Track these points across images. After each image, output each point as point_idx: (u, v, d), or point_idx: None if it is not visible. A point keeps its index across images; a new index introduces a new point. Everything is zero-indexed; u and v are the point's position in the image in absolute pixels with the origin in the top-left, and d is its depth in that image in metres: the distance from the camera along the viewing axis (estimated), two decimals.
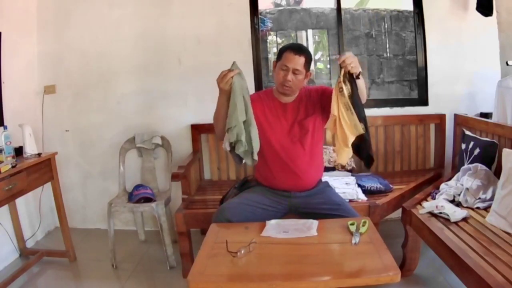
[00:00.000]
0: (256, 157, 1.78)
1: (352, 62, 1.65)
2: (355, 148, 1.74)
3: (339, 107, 1.69)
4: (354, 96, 1.69)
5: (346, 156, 1.75)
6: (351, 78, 1.69)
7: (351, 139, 1.70)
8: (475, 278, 1.51)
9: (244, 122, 1.74)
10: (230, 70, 1.73)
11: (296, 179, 1.96)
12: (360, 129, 1.69)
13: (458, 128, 2.81)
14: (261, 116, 1.95)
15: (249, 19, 2.99)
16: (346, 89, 1.68)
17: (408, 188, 2.58)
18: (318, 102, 1.97)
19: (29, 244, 2.84)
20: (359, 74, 1.70)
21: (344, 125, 1.69)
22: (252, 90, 3.01)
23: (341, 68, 1.68)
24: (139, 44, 3.02)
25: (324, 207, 1.90)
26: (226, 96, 1.76)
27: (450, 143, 2.96)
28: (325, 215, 1.82)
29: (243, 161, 1.81)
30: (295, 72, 1.87)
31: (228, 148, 1.79)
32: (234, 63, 1.76)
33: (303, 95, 2.00)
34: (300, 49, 1.89)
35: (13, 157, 2.28)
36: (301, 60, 1.87)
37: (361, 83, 1.76)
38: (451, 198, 2.22)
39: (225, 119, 1.77)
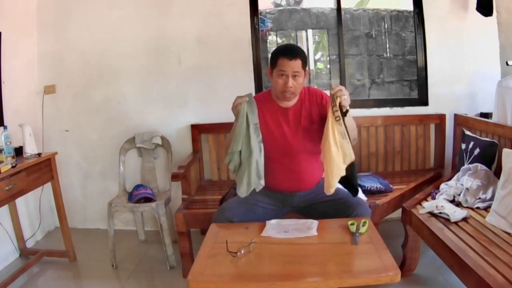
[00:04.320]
0: (242, 192, 1.79)
1: (345, 94, 1.70)
2: (342, 179, 1.77)
3: (335, 136, 1.70)
4: (345, 126, 1.72)
5: (335, 186, 1.75)
6: (340, 110, 1.71)
7: (343, 169, 1.72)
8: (475, 278, 1.51)
9: (241, 152, 1.78)
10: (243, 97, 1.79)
11: (298, 182, 1.95)
12: (352, 157, 1.73)
13: (458, 128, 2.81)
14: (260, 120, 1.90)
15: (249, 19, 2.98)
16: (341, 118, 1.70)
17: (408, 188, 2.58)
18: (320, 111, 1.93)
19: (29, 244, 2.84)
20: (346, 112, 1.73)
21: (339, 153, 1.70)
22: (252, 90, 3.01)
23: (333, 98, 1.71)
24: (139, 44, 3.02)
25: (323, 196, 1.89)
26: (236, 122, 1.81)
27: (450, 143, 2.95)
28: (325, 203, 1.86)
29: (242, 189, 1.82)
30: (294, 75, 1.82)
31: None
32: (250, 94, 1.82)
33: (303, 98, 1.96)
34: (293, 52, 1.83)
35: (13, 157, 2.28)
36: (297, 63, 1.81)
37: (351, 119, 1.81)
38: (451, 198, 2.22)
39: None
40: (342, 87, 1.71)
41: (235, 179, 1.85)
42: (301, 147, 1.92)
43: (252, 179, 1.78)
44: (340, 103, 1.69)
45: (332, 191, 1.74)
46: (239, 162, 1.79)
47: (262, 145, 1.83)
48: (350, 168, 1.76)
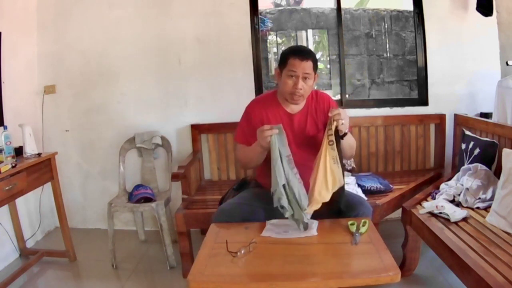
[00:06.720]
0: (306, 220, 1.65)
1: (344, 119, 1.64)
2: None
3: (326, 160, 1.66)
4: (339, 150, 1.67)
5: (316, 207, 1.68)
6: (336, 134, 1.67)
7: (330, 193, 1.67)
8: (475, 278, 1.51)
9: (284, 186, 1.66)
10: (271, 128, 1.66)
11: None
12: (342, 181, 1.68)
13: (458, 128, 2.81)
14: (264, 123, 1.82)
15: (249, 19, 2.98)
16: (335, 143, 1.66)
17: (408, 188, 2.58)
18: (326, 120, 1.85)
19: (29, 244, 2.84)
20: (344, 135, 1.70)
21: (329, 178, 1.66)
22: (252, 90, 3.01)
23: (330, 121, 1.66)
24: (139, 44, 3.02)
25: None
26: (261, 148, 1.72)
27: (450, 143, 2.95)
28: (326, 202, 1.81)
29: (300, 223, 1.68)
30: (304, 77, 1.77)
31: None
32: (280, 126, 1.68)
33: (310, 103, 1.91)
34: (305, 53, 1.79)
35: (13, 157, 2.28)
36: (308, 64, 1.76)
37: (349, 139, 1.78)
38: (451, 198, 2.22)
39: (254, 163, 1.84)
40: (342, 111, 1.64)
41: (289, 218, 1.68)
42: (306, 155, 1.86)
43: (296, 210, 1.65)
44: (336, 127, 1.65)
45: (309, 210, 1.66)
46: (287, 196, 1.65)
47: (298, 175, 1.69)
48: (338, 192, 1.70)
